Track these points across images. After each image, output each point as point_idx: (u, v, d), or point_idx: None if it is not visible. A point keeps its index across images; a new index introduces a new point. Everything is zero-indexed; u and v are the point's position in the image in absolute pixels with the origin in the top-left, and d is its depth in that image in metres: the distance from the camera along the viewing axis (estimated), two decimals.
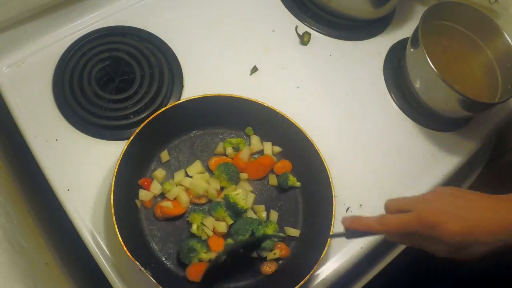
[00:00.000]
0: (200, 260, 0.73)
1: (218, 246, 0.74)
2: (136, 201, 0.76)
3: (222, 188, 0.79)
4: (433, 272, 1.16)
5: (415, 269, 1.15)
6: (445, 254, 0.56)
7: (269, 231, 0.75)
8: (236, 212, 0.76)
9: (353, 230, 0.61)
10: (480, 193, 0.57)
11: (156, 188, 0.77)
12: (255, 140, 0.84)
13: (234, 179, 0.79)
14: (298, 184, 0.82)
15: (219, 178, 0.78)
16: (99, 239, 0.74)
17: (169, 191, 0.77)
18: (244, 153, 0.81)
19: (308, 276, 0.69)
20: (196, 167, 0.80)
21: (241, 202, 0.75)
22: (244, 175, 0.80)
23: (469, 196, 0.56)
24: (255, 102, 0.82)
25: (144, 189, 0.77)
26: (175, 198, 0.77)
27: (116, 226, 0.67)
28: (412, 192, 0.86)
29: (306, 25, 1.02)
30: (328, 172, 0.78)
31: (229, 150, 0.82)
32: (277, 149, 0.85)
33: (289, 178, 0.81)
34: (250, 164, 0.82)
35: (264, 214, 0.79)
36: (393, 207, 0.59)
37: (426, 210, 0.55)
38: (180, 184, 0.78)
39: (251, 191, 0.80)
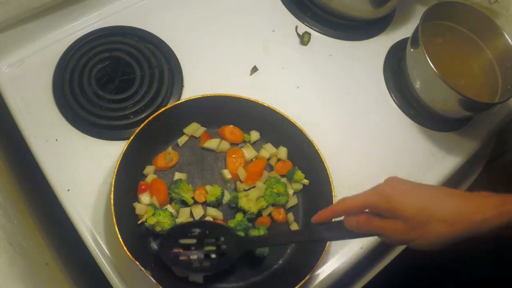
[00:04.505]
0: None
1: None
2: (134, 204, 0.76)
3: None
4: (432, 275, 1.16)
5: (414, 269, 1.15)
6: (400, 233, 0.56)
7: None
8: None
9: (317, 232, 0.64)
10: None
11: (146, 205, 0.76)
12: (268, 147, 0.85)
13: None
14: (306, 181, 0.81)
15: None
16: (99, 239, 0.74)
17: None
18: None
19: (308, 276, 0.69)
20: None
21: (250, 208, 0.77)
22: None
23: (427, 185, 0.59)
24: (255, 102, 0.81)
25: (140, 199, 0.76)
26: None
27: (116, 226, 0.67)
28: None
29: (306, 25, 1.02)
30: (328, 172, 0.78)
31: None
32: (284, 150, 0.84)
33: (295, 173, 0.80)
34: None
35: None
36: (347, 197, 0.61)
37: (382, 187, 0.57)
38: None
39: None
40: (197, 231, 0.69)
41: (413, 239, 0.55)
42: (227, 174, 0.81)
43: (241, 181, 0.81)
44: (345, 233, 0.61)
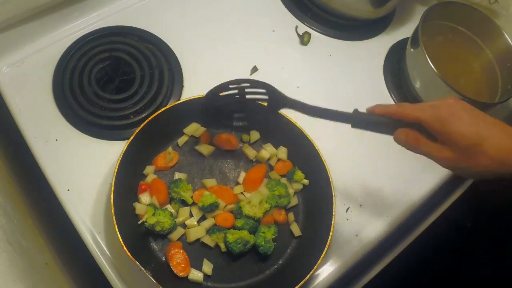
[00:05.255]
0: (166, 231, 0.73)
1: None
2: (134, 204, 0.76)
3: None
4: (432, 275, 1.16)
5: (415, 269, 1.15)
6: (447, 161, 0.56)
7: (269, 234, 0.76)
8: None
9: (364, 118, 0.63)
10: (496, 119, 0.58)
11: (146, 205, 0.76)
12: (268, 147, 0.84)
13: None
14: (306, 181, 0.81)
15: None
16: (99, 239, 0.74)
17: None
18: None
19: (308, 276, 0.69)
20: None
21: (256, 213, 0.76)
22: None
23: (487, 116, 0.58)
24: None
25: (140, 199, 0.76)
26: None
27: (116, 226, 0.67)
28: (412, 192, 0.87)
29: (306, 25, 1.02)
30: (328, 172, 0.78)
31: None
32: (284, 150, 0.84)
33: (295, 173, 0.80)
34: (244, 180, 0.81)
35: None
36: (410, 104, 0.60)
37: (443, 105, 0.56)
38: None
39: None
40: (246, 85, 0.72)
41: (461, 168, 0.56)
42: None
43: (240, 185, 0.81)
44: (389, 131, 0.61)
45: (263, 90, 0.72)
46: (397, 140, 0.61)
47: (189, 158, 0.82)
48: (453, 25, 0.96)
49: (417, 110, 0.57)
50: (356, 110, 0.65)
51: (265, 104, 0.74)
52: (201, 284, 0.73)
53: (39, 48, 0.88)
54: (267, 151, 0.83)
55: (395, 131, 0.61)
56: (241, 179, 0.81)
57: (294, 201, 0.81)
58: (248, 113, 0.76)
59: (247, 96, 0.73)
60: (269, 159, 0.84)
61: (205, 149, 0.82)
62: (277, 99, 0.72)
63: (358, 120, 0.64)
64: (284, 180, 0.82)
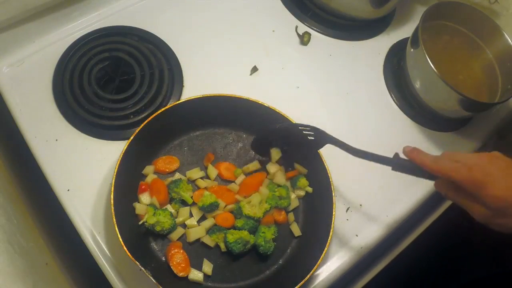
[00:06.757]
0: (165, 231, 0.73)
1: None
2: (134, 204, 0.76)
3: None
4: (432, 275, 1.16)
5: (415, 269, 1.15)
6: (483, 218, 0.58)
7: (268, 234, 0.76)
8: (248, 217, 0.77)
9: (403, 163, 0.66)
10: None
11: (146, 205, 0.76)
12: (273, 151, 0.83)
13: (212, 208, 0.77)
14: (309, 189, 0.81)
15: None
16: (99, 239, 0.74)
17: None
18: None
19: (308, 276, 0.69)
20: (196, 173, 0.81)
21: (256, 213, 0.76)
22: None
23: None
24: (255, 102, 0.81)
25: (140, 199, 0.76)
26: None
27: (116, 226, 0.67)
28: (412, 192, 0.87)
29: (306, 25, 1.02)
30: (328, 172, 0.78)
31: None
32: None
33: (299, 180, 0.80)
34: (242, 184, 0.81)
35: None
36: (450, 156, 0.61)
37: (477, 167, 0.57)
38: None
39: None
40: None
41: (496, 224, 0.57)
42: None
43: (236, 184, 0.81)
44: (429, 178, 0.64)
45: (311, 132, 0.76)
46: (437, 189, 0.63)
47: (189, 158, 0.82)
48: (453, 25, 0.96)
49: (452, 170, 0.58)
50: (396, 154, 0.68)
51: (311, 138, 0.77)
52: (201, 284, 0.73)
53: (39, 48, 0.88)
54: (274, 165, 0.82)
55: (435, 180, 0.63)
56: (239, 180, 0.81)
57: (295, 203, 0.81)
58: (293, 146, 0.80)
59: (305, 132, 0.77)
60: None
61: (212, 174, 0.81)
62: (322, 138, 0.76)
63: (397, 165, 0.67)
64: (287, 183, 0.81)
